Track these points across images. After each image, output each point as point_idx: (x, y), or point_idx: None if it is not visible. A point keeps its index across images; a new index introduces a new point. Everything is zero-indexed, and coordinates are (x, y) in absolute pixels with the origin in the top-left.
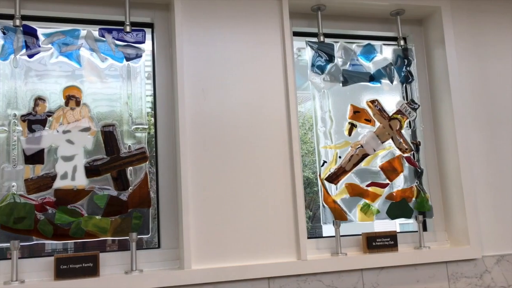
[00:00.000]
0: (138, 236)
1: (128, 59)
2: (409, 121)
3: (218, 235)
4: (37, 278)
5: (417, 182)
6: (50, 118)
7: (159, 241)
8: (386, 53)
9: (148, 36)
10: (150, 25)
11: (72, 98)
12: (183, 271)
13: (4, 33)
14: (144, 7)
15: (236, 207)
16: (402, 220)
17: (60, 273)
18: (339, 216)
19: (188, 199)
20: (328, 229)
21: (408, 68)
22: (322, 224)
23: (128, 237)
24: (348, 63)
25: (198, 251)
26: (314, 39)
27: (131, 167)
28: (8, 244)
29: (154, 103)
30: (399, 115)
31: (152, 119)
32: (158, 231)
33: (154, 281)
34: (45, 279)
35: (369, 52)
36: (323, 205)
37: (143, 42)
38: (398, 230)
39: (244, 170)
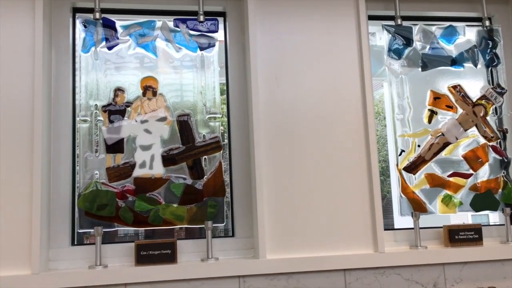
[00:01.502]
0: (213, 225)
1: (201, 49)
2: (495, 107)
3: (293, 224)
4: (119, 263)
5: (504, 173)
6: (128, 109)
7: (233, 229)
8: (469, 35)
9: (221, 26)
10: (223, 14)
11: (149, 89)
12: (258, 260)
13: (85, 27)
14: None
15: (311, 196)
16: (473, 212)
17: (140, 259)
18: (418, 208)
19: (262, 188)
20: (401, 221)
21: (494, 51)
22: (399, 216)
23: (203, 225)
24: (428, 46)
25: (273, 240)
26: (391, 23)
27: (205, 156)
28: (92, 230)
29: (227, 91)
30: (484, 101)
31: (225, 107)
32: (232, 220)
33: (230, 270)
34: (126, 264)
35: (450, 34)
36: (400, 196)
37: (216, 31)
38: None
39: (318, 159)
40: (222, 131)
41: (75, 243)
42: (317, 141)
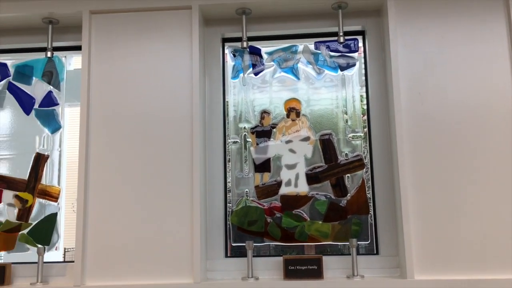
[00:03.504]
0: (358, 242)
1: (342, 69)
2: None
3: (442, 244)
4: (268, 276)
5: None
6: (274, 130)
7: (377, 247)
8: None
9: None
10: (361, 33)
11: (292, 110)
12: (406, 280)
13: (234, 55)
14: (355, 15)
15: (461, 214)
16: None
17: (289, 273)
18: None
19: (408, 206)
20: None
21: None
22: None
23: (347, 243)
24: None
25: (421, 260)
26: None
27: (348, 174)
28: (244, 244)
29: (368, 109)
30: None
31: (366, 125)
32: (376, 237)
33: None
34: (275, 277)
35: None
36: None
37: (355, 50)
38: None
39: (467, 175)
40: (363, 149)
41: (229, 255)
42: (465, 156)
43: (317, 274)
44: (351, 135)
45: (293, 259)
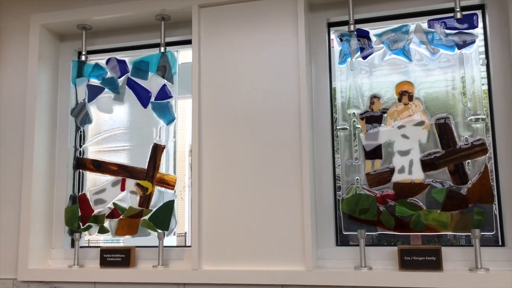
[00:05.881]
0: (482, 233)
1: (459, 47)
2: None
3: None
4: (382, 266)
5: None
6: (385, 115)
7: (502, 238)
8: None
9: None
10: (481, 7)
11: (404, 94)
12: None
13: (341, 40)
14: None
15: None
16: None
17: (404, 264)
18: None
19: None
20: None
21: None
22: None
23: (469, 233)
24: None
25: None
26: None
27: (468, 160)
28: (356, 232)
29: (489, 90)
30: None
31: (487, 107)
32: (501, 228)
33: (503, 282)
34: (390, 267)
35: None
36: None
37: (475, 26)
38: None
39: None
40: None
41: (339, 243)
42: None
43: (436, 265)
44: (470, 117)
45: (410, 249)
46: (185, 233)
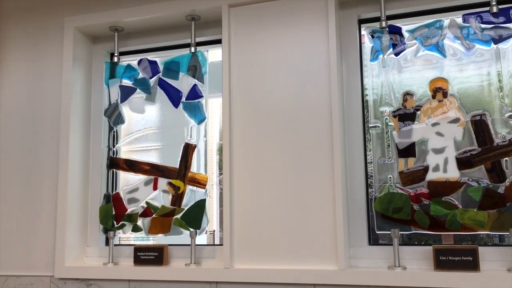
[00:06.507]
0: None
1: (496, 42)
2: None
3: None
4: (417, 266)
5: None
6: (418, 112)
7: None
8: None
9: None
10: None
11: (439, 90)
12: None
13: (372, 36)
14: None
15: None
16: None
17: (440, 264)
18: None
19: None
20: None
21: None
22: None
23: (507, 233)
24: None
25: None
26: None
27: (506, 158)
28: (389, 232)
29: None
30: None
31: None
32: None
33: None
34: (424, 267)
35: None
36: None
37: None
38: None
39: None
40: None
41: (372, 242)
42: None
43: (473, 266)
44: (508, 114)
45: (445, 249)
46: (214, 231)
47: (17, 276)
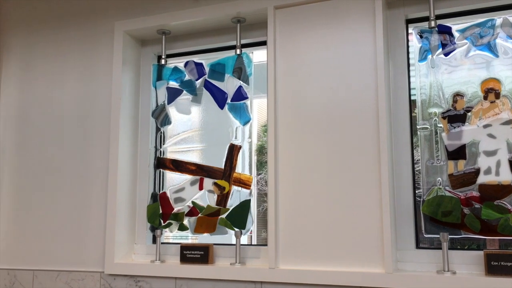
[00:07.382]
0: None
1: None
2: None
3: None
4: (467, 271)
5: None
6: (469, 113)
7: None
8: None
9: None
10: None
11: (491, 91)
12: None
13: (421, 36)
14: None
15: None
16: None
17: (491, 269)
18: None
19: None
20: None
21: None
22: None
23: None
24: None
25: None
26: None
27: None
28: (437, 235)
29: None
30: None
31: None
32: None
33: None
34: (475, 272)
35: None
36: None
37: None
38: None
39: None
40: None
41: (420, 246)
42: None
43: None
44: None
45: (497, 254)
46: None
47: (69, 271)
